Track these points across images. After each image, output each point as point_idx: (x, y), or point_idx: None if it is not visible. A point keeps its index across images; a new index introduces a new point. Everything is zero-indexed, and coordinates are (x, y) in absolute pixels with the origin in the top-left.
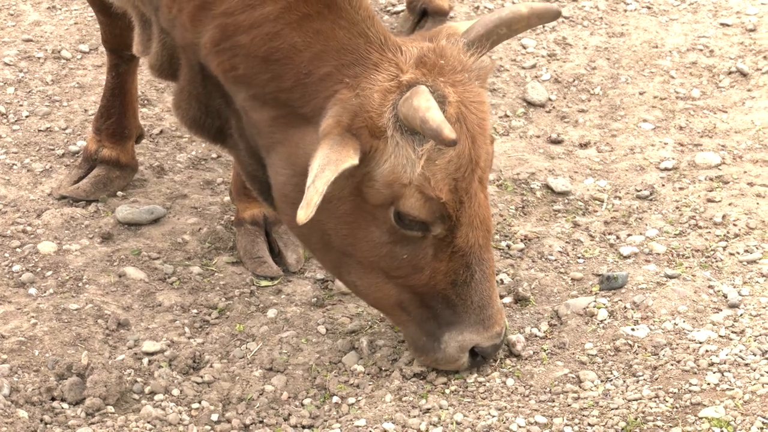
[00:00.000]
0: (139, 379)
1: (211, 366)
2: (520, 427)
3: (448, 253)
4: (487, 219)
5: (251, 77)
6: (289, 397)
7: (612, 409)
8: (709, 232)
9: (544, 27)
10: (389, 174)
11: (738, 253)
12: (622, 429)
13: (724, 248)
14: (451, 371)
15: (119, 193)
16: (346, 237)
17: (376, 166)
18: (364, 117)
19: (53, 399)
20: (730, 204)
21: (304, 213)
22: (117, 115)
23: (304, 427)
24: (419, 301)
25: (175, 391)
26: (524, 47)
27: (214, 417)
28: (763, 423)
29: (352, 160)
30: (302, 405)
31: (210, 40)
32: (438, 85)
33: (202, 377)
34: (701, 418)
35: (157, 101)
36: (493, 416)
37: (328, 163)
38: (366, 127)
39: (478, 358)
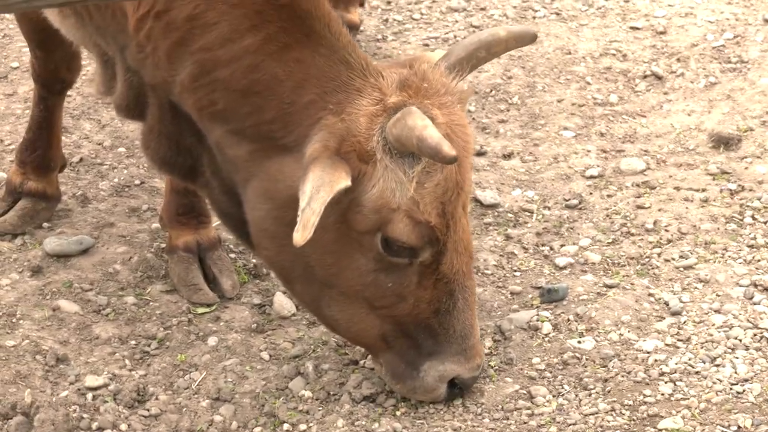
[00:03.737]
0: (85, 416)
1: (156, 398)
2: None
3: (433, 280)
4: (469, 245)
5: (230, 112)
6: (239, 427)
7: (570, 424)
8: (642, 239)
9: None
10: (378, 199)
11: (673, 259)
12: None
13: (659, 255)
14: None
15: (45, 224)
16: (330, 267)
17: (364, 191)
18: (351, 141)
19: None
20: (659, 209)
21: (301, 235)
22: (43, 148)
23: None
24: (401, 331)
25: (123, 426)
26: None
27: None
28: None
29: (346, 181)
30: None
31: (188, 76)
32: (425, 106)
33: (148, 410)
34: (661, 430)
35: (73, 128)
36: None
37: (322, 185)
38: (354, 151)
39: (456, 389)
